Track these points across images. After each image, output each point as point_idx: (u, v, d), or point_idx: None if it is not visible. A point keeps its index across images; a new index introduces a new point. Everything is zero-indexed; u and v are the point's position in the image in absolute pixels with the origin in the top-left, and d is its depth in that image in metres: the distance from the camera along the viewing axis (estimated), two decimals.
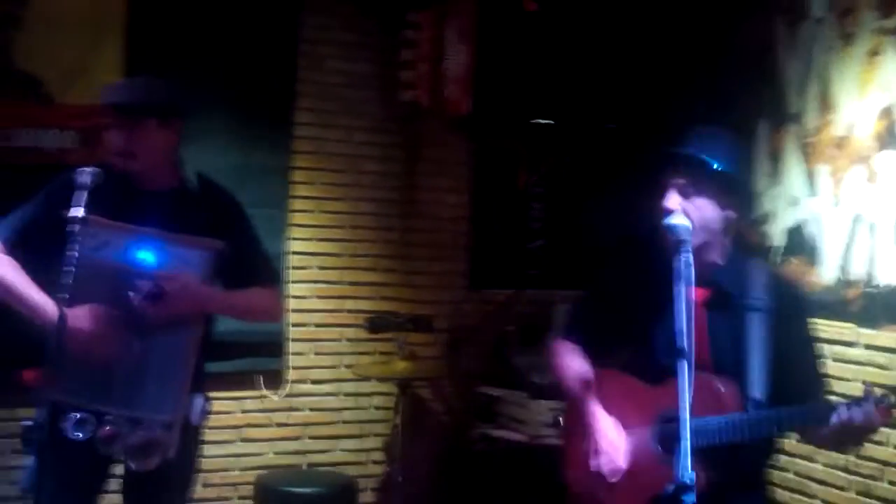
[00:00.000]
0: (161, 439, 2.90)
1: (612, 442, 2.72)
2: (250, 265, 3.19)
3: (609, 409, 2.79)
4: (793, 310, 2.75)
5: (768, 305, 2.67)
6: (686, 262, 2.40)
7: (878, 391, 2.51)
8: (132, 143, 3.00)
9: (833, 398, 2.75)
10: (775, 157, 4.42)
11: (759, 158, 4.48)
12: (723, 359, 2.60)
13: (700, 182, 2.67)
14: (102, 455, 2.93)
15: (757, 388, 2.59)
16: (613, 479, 2.69)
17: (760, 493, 2.83)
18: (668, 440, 2.62)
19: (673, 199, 2.65)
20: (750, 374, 2.61)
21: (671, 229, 2.52)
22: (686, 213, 2.63)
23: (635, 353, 2.82)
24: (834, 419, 2.49)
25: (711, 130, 2.79)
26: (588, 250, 5.05)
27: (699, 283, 2.60)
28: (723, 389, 2.60)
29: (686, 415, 2.17)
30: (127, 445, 2.89)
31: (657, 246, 2.66)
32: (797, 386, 2.66)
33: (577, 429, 2.85)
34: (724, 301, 2.68)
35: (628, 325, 2.81)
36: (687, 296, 2.33)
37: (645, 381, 2.76)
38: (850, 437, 2.57)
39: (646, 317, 2.74)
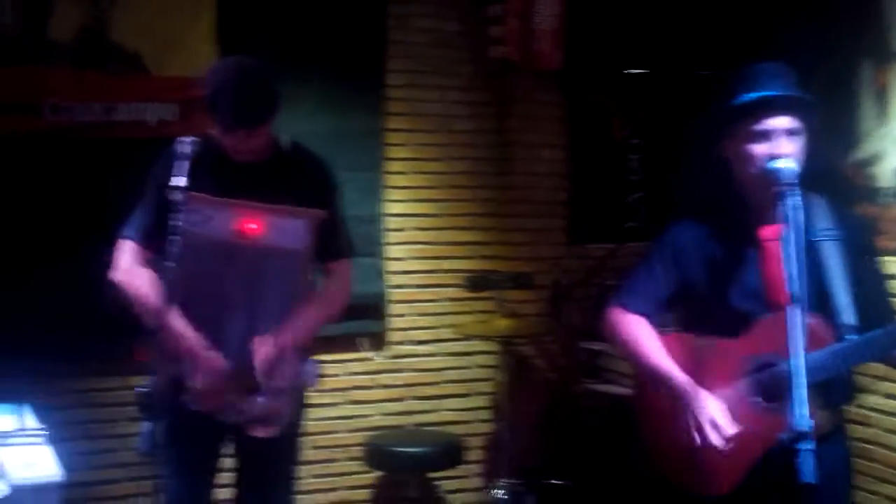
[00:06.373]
0: (280, 406, 2.94)
1: (716, 413, 2.58)
2: (339, 236, 3.19)
3: (692, 374, 2.67)
4: (862, 238, 2.71)
5: (838, 235, 2.61)
6: (794, 205, 2.34)
7: None
8: (254, 142, 2.96)
9: None
10: (881, 97, 4.27)
11: (864, 98, 4.34)
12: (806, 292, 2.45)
13: (802, 121, 2.62)
14: (222, 425, 2.98)
15: (846, 314, 2.53)
16: (728, 448, 2.56)
17: (844, 434, 2.74)
18: (770, 389, 2.56)
19: (785, 145, 2.58)
20: (837, 302, 2.54)
21: (778, 173, 2.47)
22: (791, 155, 2.57)
23: (706, 307, 2.73)
24: None
25: (777, 65, 2.73)
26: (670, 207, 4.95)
27: (771, 220, 2.55)
28: (814, 323, 2.51)
29: (801, 360, 2.12)
30: (247, 414, 2.93)
31: (729, 194, 2.66)
32: (875, 312, 2.60)
33: (655, 394, 2.78)
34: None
35: (699, 280, 2.74)
36: (797, 240, 2.27)
37: (722, 334, 2.66)
38: None
39: (719, 268, 2.69)
